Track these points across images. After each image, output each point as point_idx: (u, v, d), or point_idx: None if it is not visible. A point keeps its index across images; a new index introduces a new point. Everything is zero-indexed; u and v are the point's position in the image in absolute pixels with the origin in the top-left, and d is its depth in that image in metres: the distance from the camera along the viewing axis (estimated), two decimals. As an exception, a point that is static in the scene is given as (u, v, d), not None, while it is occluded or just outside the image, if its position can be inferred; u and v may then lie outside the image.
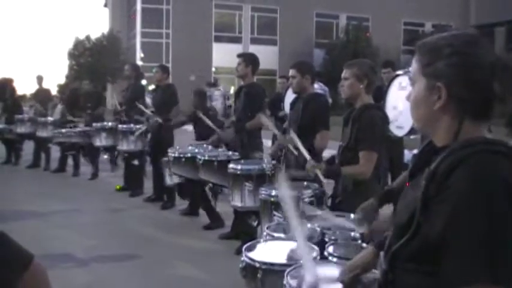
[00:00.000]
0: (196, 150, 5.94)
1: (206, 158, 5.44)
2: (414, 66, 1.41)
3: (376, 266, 1.74)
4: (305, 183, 3.75)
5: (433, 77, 1.33)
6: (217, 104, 10.19)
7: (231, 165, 4.72)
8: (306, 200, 3.57)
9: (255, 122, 5.37)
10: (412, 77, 1.42)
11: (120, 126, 7.99)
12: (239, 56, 5.61)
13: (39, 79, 11.20)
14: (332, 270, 2.12)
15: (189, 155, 5.92)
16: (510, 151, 1.24)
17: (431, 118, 1.36)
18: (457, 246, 1.16)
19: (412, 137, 4.40)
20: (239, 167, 4.65)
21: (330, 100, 6.99)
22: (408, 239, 1.28)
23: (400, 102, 4.24)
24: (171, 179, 6.74)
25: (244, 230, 5.00)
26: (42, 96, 11.32)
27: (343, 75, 3.45)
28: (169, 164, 6.40)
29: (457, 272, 1.15)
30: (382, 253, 1.47)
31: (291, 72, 4.40)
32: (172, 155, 6.10)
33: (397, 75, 4.48)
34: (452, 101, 1.31)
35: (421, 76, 1.37)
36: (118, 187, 8.36)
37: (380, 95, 4.58)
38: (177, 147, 6.41)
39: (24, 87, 39.76)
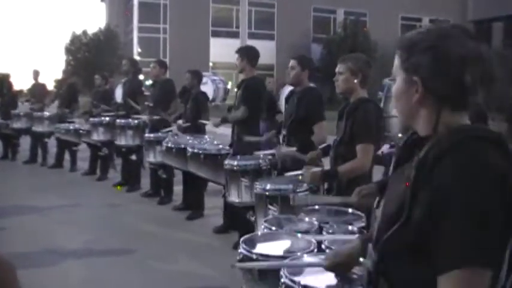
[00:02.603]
0: (190, 142, 5.94)
1: (194, 150, 5.44)
2: (395, 61, 1.44)
3: (359, 262, 1.75)
4: (300, 177, 3.76)
5: (410, 71, 1.37)
6: (220, 87, 10.25)
7: (227, 161, 4.74)
8: (301, 194, 3.59)
9: (236, 114, 5.42)
10: (394, 71, 1.46)
11: (117, 120, 7.97)
12: (236, 51, 5.63)
13: (35, 74, 11.16)
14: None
15: (181, 146, 5.94)
16: (495, 136, 1.28)
17: (411, 111, 1.40)
18: (446, 231, 1.18)
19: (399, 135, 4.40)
20: (235, 162, 4.67)
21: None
22: (398, 228, 1.28)
23: None
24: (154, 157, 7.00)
25: (240, 224, 5.02)
26: (38, 91, 11.29)
27: (337, 69, 3.48)
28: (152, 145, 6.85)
29: (445, 256, 1.18)
30: (370, 245, 1.47)
31: (292, 62, 4.40)
32: (165, 144, 6.14)
33: None
34: (428, 94, 1.34)
35: (401, 70, 1.41)
36: (119, 188, 8.22)
37: None
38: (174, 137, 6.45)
39: (21, 82, 39.62)
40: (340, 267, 1.84)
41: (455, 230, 1.17)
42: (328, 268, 1.86)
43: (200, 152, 5.39)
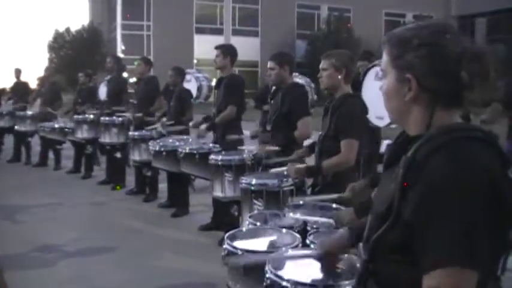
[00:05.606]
0: (177, 143, 5.93)
1: (187, 151, 5.44)
2: (384, 59, 1.42)
3: (348, 250, 1.78)
4: (285, 172, 3.78)
5: (403, 69, 1.34)
6: (204, 85, 10.21)
7: (211, 157, 4.76)
8: (286, 189, 3.61)
9: (225, 115, 5.41)
10: (383, 69, 1.44)
11: (102, 118, 7.92)
12: (217, 48, 5.61)
13: (17, 72, 11.04)
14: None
15: (170, 148, 5.92)
16: (486, 136, 1.26)
17: (403, 109, 1.38)
18: (432, 231, 1.17)
19: (393, 126, 4.43)
20: (219, 157, 4.69)
21: (311, 91, 6.99)
22: (387, 228, 1.27)
23: (378, 93, 4.27)
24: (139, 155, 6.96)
25: (226, 221, 5.03)
26: (20, 89, 11.16)
27: (321, 66, 3.49)
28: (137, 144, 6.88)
29: (430, 255, 1.17)
30: (360, 244, 1.46)
31: (270, 64, 4.39)
32: (153, 148, 6.08)
33: (374, 65, 4.49)
34: (422, 92, 1.32)
35: (391, 68, 1.39)
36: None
37: (356, 85, 4.61)
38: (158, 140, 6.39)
39: (3, 80, 39.18)
40: (329, 255, 1.90)
41: (441, 230, 1.16)
42: (319, 257, 1.90)
43: (194, 151, 5.38)
